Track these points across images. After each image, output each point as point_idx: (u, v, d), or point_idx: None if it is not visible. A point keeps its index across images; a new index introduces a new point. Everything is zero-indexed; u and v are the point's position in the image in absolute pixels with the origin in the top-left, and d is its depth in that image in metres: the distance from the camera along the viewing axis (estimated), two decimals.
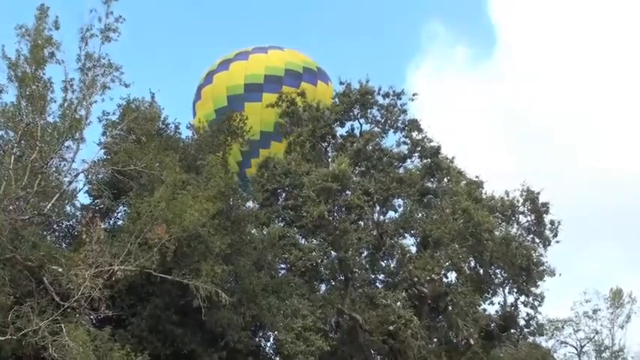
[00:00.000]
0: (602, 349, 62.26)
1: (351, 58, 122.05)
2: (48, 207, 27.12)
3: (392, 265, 43.99)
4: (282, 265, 39.20)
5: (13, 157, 26.20)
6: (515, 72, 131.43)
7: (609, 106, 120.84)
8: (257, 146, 46.01)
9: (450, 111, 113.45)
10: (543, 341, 57.17)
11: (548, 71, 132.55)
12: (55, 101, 27.48)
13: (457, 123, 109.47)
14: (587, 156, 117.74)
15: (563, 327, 62.37)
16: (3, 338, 23.32)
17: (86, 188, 31.73)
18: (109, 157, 31.36)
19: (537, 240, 44.05)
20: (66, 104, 27.35)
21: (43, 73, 26.99)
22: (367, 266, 43.76)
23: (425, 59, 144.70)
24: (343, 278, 42.11)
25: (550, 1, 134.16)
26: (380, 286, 43.45)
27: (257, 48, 52.36)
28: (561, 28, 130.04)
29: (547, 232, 44.07)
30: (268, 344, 36.28)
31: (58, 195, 27.76)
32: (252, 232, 37.16)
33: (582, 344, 63.23)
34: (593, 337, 62.65)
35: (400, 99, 45.03)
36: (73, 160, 28.11)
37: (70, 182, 28.90)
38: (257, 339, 34.83)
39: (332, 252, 41.14)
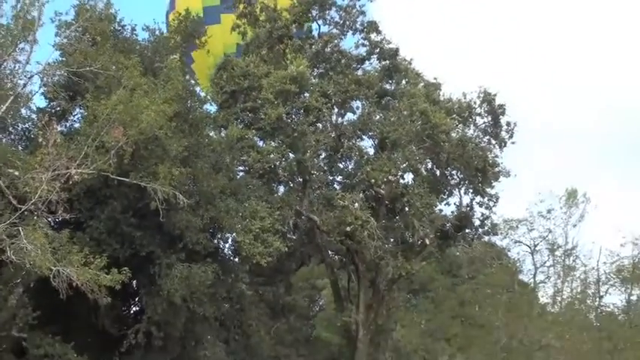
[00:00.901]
0: (555, 247, 63.21)
1: None
2: (3, 110, 26.86)
3: (349, 167, 44.30)
4: (241, 168, 39.19)
5: None
6: None
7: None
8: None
9: (409, 12, 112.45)
10: (498, 240, 58.14)
11: None
12: (6, 1, 27.08)
13: (417, 25, 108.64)
14: (548, 58, 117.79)
15: (517, 226, 63.01)
16: None
17: (42, 91, 31.24)
18: (64, 58, 30.94)
19: (493, 141, 44.41)
20: (18, 6, 26.90)
21: None
22: (325, 168, 44.03)
23: None
24: (301, 180, 42.40)
25: None
26: (337, 187, 43.84)
27: None
28: None
29: (503, 134, 44.41)
30: (227, 245, 36.48)
31: (12, 97, 27.48)
32: (211, 134, 37.17)
33: (536, 243, 64.14)
34: (547, 236, 63.52)
35: (359, 0, 44.68)
36: (28, 62, 27.79)
37: (25, 85, 28.54)
38: (215, 240, 34.98)
39: (290, 154, 41.15)
